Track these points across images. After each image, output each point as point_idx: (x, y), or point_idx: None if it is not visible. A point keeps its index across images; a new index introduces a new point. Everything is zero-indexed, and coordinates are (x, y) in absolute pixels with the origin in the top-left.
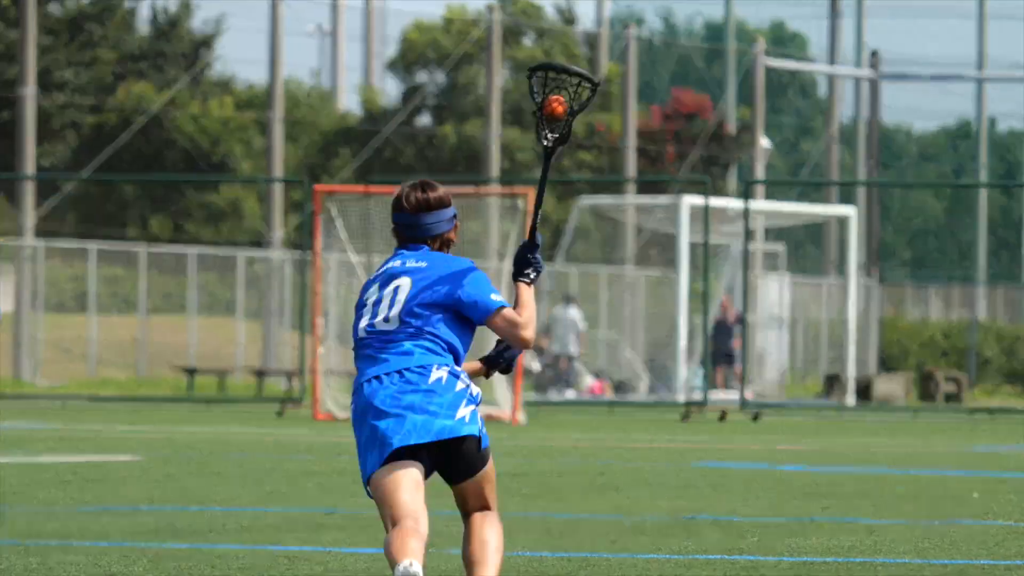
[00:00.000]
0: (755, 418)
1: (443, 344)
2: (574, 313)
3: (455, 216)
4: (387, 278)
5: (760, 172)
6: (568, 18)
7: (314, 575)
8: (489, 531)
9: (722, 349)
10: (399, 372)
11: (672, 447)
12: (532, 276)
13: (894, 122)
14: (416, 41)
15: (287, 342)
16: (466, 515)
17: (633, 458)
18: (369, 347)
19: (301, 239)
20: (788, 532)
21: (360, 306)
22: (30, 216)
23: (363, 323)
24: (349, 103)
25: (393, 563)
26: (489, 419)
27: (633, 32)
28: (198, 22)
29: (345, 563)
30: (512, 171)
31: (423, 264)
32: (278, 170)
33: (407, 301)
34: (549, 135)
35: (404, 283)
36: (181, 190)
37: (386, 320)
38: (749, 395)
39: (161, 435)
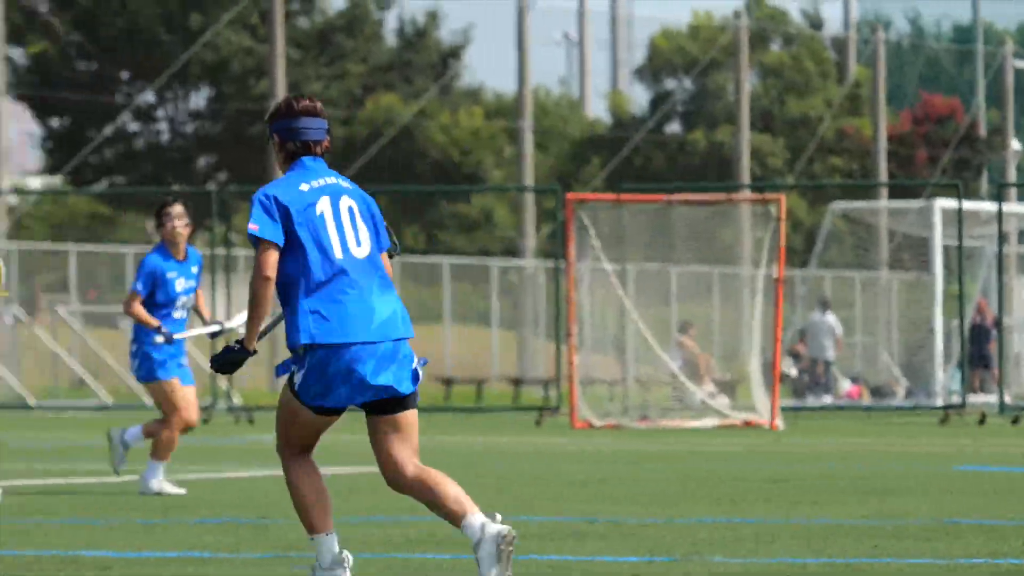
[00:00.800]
0: (1015, 421)
1: None
2: (830, 318)
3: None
4: (334, 194)
5: (1012, 174)
6: (815, 22)
7: None
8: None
9: (979, 352)
10: (386, 329)
11: (932, 451)
12: None
13: None
14: (663, 48)
15: (542, 350)
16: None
17: (893, 462)
18: (348, 275)
19: (554, 248)
20: None
21: (310, 219)
22: None
23: (335, 248)
24: (598, 110)
25: (313, 527)
26: (747, 425)
27: (881, 35)
28: (445, 33)
29: (609, 571)
30: (763, 177)
31: (348, 185)
32: (529, 179)
33: (370, 226)
34: None
35: (354, 205)
36: (433, 200)
37: (359, 246)
38: (1008, 398)
39: (421, 444)
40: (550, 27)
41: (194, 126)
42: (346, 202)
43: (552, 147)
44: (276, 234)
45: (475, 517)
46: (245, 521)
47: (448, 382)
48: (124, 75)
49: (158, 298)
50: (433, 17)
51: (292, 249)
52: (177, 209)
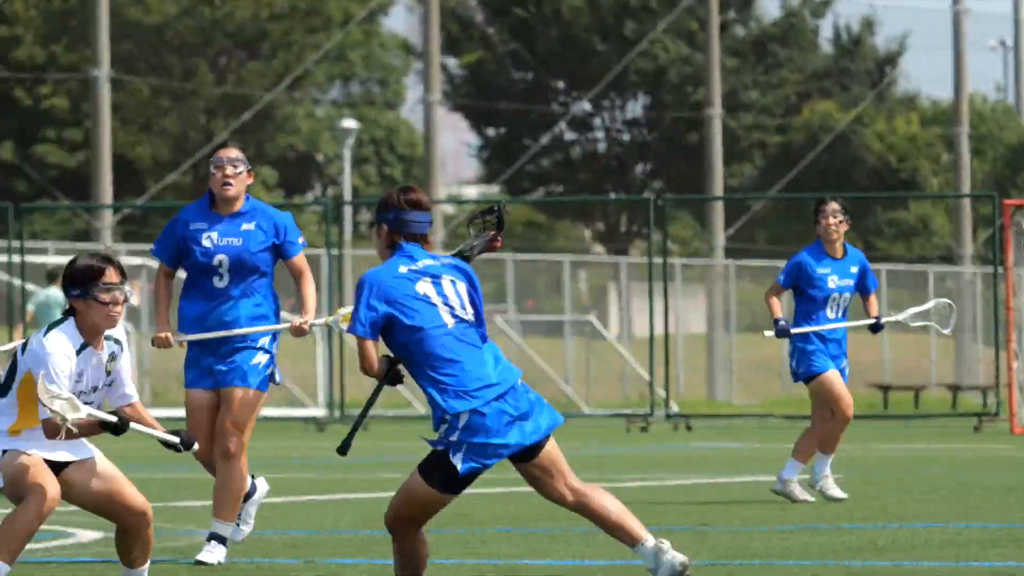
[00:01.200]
0: None
1: None
2: None
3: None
4: (434, 274)
5: None
6: None
7: None
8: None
9: None
10: (512, 387)
11: None
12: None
13: None
14: None
15: (981, 357)
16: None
17: None
18: (460, 342)
19: (991, 254)
20: None
21: (415, 298)
22: (720, 236)
23: (445, 320)
24: None
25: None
26: None
27: None
28: (881, 40)
29: None
30: None
31: (448, 262)
32: (966, 185)
33: (471, 297)
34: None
35: (455, 279)
36: (870, 207)
37: (464, 312)
38: None
39: (859, 451)
40: (986, 33)
41: (630, 134)
42: (447, 279)
43: (989, 153)
44: (367, 330)
45: (648, 544)
46: (683, 528)
47: (886, 389)
48: (560, 84)
49: (807, 294)
50: (869, 24)
51: (404, 331)
52: (833, 206)
